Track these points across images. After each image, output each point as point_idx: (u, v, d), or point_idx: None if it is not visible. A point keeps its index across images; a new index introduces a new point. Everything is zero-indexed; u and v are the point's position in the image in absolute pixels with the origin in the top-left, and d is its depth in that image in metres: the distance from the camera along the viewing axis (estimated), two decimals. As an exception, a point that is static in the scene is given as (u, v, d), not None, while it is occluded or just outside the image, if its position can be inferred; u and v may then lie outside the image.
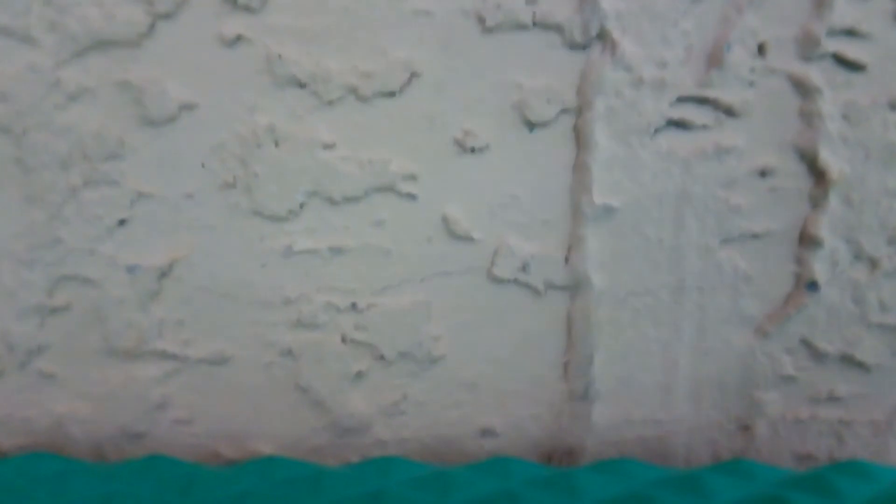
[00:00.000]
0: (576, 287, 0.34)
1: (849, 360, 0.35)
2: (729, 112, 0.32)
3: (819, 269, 0.34)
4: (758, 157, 0.33)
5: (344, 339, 0.33)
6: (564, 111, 0.32)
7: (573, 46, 0.32)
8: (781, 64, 0.32)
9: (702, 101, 0.32)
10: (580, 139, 0.32)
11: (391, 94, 0.31)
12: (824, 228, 0.34)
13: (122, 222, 0.31)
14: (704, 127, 0.33)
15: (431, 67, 0.31)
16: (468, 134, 0.32)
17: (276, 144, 0.31)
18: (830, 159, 0.33)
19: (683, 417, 0.35)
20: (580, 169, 0.33)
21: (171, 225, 0.31)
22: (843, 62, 0.32)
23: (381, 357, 0.33)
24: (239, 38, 0.30)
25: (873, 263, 0.34)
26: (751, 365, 0.35)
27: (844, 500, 0.27)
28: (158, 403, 0.33)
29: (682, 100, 0.32)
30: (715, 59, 0.32)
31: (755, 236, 0.34)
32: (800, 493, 0.27)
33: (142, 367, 0.32)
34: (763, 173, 0.33)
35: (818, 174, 0.33)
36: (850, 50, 0.32)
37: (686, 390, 0.35)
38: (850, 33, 0.32)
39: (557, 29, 0.31)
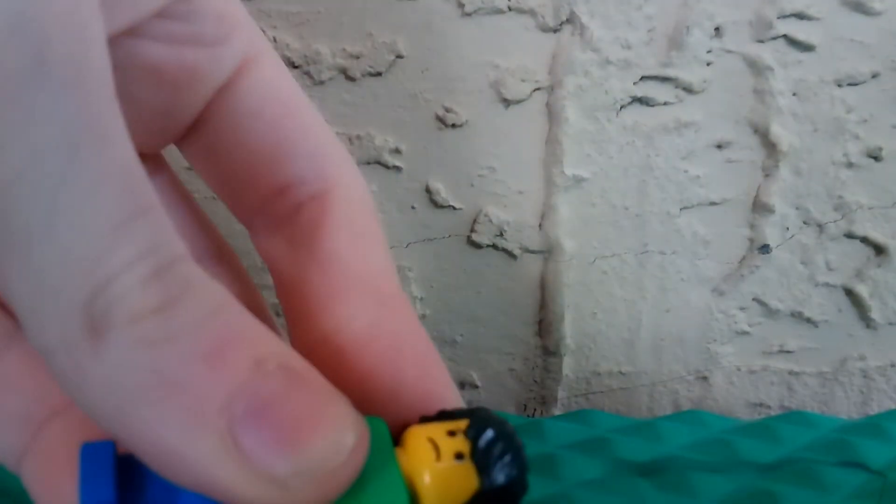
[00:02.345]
0: (548, 251, 0.36)
1: (798, 317, 0.38)
2: (688, 90, 0.34)
3: (771, 233, 0.36)
4: (715, 131, 0.35)
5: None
6: (537, 89, 0.34)
7: (545, 29, 0.33)
8: (736, 45, 0.34)
9: (663, 79, 0.34)
10: (552, 115, 0.34)
11: (378, 75, 0.33)
12: (776, 196, 0.36)
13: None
14: (666, 104, 0.34)
15: (414, 50, 0.33)
16: (449, 111, 0.34)
17: (272, 122, 0.33)
18: (781, 133, 0.35)
19: (646, 370, 0.37)
20: (552, 143, 0.35)
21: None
22: (793, 43, 0.34)
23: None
24: (235, 24, 0.32)
25: (821, 228, 0.36)
26: (708, 321, 0.37)
27: (785, 444, 0.29)
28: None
29: (645, 78, 0.34)
30: (675, 41, 0.34)
31: (712, 204, 0.36)
32: (745, 439, 0.30)
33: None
34: (720, 146, 0.35)
35: (770, 146, 0.35)
36: (801, 32, 0.34)
37: (649, 345, 0.37)
38: (801, 16, 0.34)
39: (531, 13, 0.33)
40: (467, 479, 0.15)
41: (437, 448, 0.15)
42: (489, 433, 0.16)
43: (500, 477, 0.15)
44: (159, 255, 0.13)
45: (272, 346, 0.14)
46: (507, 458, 0.16)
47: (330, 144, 0.19)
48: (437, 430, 0.16)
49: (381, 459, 0.15)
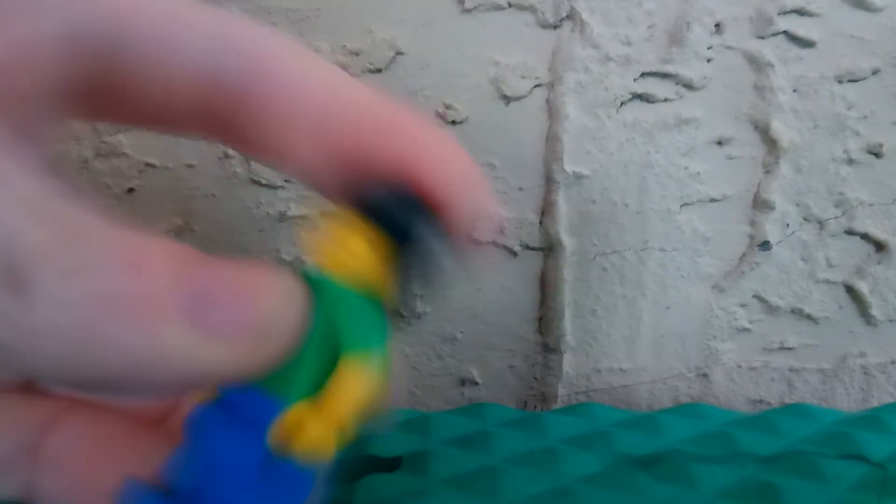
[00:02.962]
0: (548, 248, 0.36)
1: (798, 313, 0.38)
2: (689, 86, 0.34)
3: (771, 230, 0.36)
4: (715, 128, 0.35)
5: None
6: (538, 86, 0.34)
7: (545, 26, 0.34)
8: (737, 41, 0.34)
9: (664, 76, 0.34)
10: (552, 112, 0.34)
11: (378, 71, 0.33)
12: (776, 193, 0.36)
13: (130, 191, 0.33)
14: (666, 100, 0.34)
15: (414, 46, 0.33)
16: (449, 108, 0.34)
17: (272, 119, 0.33)
18: (782, 129, 0.35)
19: (646, 367, 0.37)
20: (552, 139, 0.35)
21: (175, 193, 0.34)
22: (794, 39, 0.34)
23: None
24: (236, 20, 0.32)
25: (821, 225, 0.36)
26: (708, 318, 0.37)
27: (785, 437, 0.29)
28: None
29: (645, 75, 0.34)
30: (676, 38, 0.34)
31: (713, 200, 0.36)
32: (746, 432, 0.30)
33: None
34: (720, 142, 0.35)
35: (770, 143, 0.35)
36: (801, 28, 0.34)
37: (649, 342, 0.37)
38: (801, 12, 0.34)
39: (531, 10, 0.33)
40: (358, 240, 0.17)
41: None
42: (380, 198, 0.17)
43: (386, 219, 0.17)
44: (41, 201, 0.14)
45: (171, 244, 0.15)
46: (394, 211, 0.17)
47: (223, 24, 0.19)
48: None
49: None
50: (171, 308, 0.14)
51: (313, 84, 0.19)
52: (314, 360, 0.16)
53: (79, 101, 0.18)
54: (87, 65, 0.18)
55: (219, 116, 0.19)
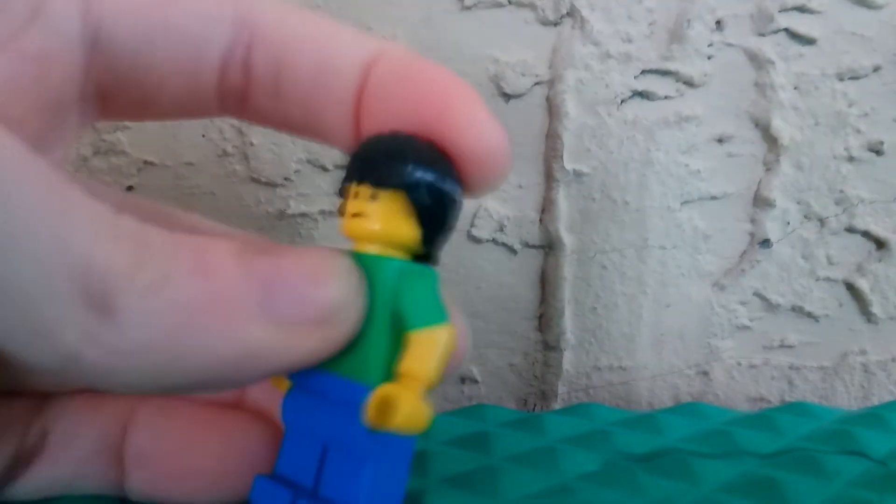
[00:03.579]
0: (549, 246, 0.36)
1: (799, 311, 0.38)
2: (689, 83, 0.34)
3: (771, 227, 0.36)
4: (716, 125, 0.35)
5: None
6: (538, 83, 0.34)
7: (545, 23, 0.34)
8: (737, 38, 0.34)
9: (664, 73, 0.34)
10: (552, 109, 0.34)
11: (377, 69, 0.33)
12: (776, 190, 0.36)
13: (129, 188, 0.33)
14: (667, 97, 0.34)
15: (414, 43, 0.33)
16: (448, 105, 0.34)
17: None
18: (782, 127, 0.35)
19: (647, 364, 0.37)
20: (552, 137, 0.35)
21: (175, 191, 0.34)
22: (795, 36, 0.34)
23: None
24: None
25: (821, 222, 0.36)
26: (708, 316, 0.37)
27: (786, 435, 0.29)
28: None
29: (646, 72, 0.34)
30: (676, 35, 0.34)
31: (713, 198, 0.36)
32: (745, 430, 0.30)
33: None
34: (720, 140, 0.35)
35: (771, 140, 0.35)
36: (802, 25, 0.34)
37: (649, 340, 0.37)
38: (802, 10, 0.34)
39: (531, 7, 0.33)
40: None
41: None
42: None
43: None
44: (107, 221, 0.14)
45: (227, 241, 0.15)
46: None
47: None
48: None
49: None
50: (245, 306, 0.15)
51: (339, 42, 0.19)
52: (380, 336, 0.17)
53: (104, 93, 0.18)
54: (111, 55, 0.18)
55: (248, 90, 0.19)
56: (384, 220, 0.17)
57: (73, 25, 0.17)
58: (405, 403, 0.16)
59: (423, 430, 0.16)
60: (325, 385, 0.17)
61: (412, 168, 0.17)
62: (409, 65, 0.19)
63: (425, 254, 0.18)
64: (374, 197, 0.17)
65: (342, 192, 0.18)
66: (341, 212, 0.18)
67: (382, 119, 0.18)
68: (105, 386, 0.14)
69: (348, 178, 0.18)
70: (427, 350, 0.17)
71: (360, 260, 0.17)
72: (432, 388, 0.17)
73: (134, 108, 0.20)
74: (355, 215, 0.17)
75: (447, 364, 0.17)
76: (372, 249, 0.17)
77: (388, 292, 0.17)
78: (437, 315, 0.17)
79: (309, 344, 0.15)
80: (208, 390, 0.21)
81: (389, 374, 0.17)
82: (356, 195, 0.17)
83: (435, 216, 0.18)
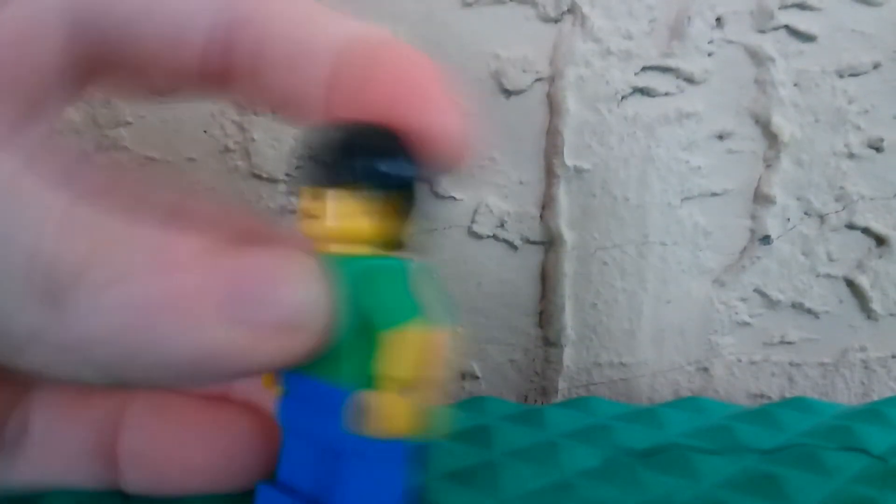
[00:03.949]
0: (549, 242, 0.36)
1: (799, 308, 0.38)
2: (689, 80, 0.34)
3: (772, 224, 0.36)
4: (716, 122, 0.35)
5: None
6: (538, 80, 0.34)
7: (546, 20, 0.33)
8: (738, 35, 0.34)
9: (665, 70, 0.34)
10: (553, 106, 0.34)
11: (378, 65, 0.33)
12: (777, 187, 0.36)
13: (130, 185, 0.33)
14: (667, 94, 0.34)
15: (415, 40, 0.33)
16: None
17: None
18: (783, 123, 0.35)
19: (647, 361, 0.37)
20: (553, 133, 0.35)
21: (176, 187, 0.34)
22: (795, 33, 0.34)
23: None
24: (236, 14, 0.32)
25: (821, 219, 0.36)
26: (709, 312, 0.37)
27: (785, 430, 0.29)
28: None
29: (646, 69, 0.34)
30: (677, 31, 0.34)
31: (713, 194, 0.36)
32: (745, 425, 0.30)
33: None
34: (721, 136, 0.35)
35: (771, 137, 0.35)
36: (802, 22, 0.34)
37: (650, 336, 0.37)
38: (802, 6, 0.34)
39: (532, 3, 0.33)
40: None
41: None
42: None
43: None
44: (59, 215, 0.14)
45: (194, 238, 0.15)
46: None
47: None
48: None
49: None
50: (207, 307, 0.14)
51: (318, 26, 0.19)
52: (356, 338, 0.17)
53: (86, 73, 0.18)
54: (92, 37, 0.18)
55: (229, 71, 0.19)
56: (337, 217, 0.17)
57: (51, 4, 0.17)
58: (382, 407, 0.16)
59: (419, 430, 0.16)
60: (310, 389, 0.17)
61: (355, 160, 0.17)
62: (377, 48, 0.19)
63: (396, 244, 0.18)
64: (322, 196, 0.17)
65: (298, 194, 0.18)
66: (300, 214, 0.18)
67: (348, 103, 0.18)
68: (54, 378, 0.14)
69: (297, 180, 0.18)
70: (399, 350, 0.16)
71: (324, 261, 0.17)
72: (418, 387, 0.16)
73: (117, 85, 0.20)
74: (309, 216, 0.17)
75: (430, 359, 0.17)
76: (334, 249, 0.17)
77: (352, 292, 0.17)
78: (406, 311, 0.17)
79: (272, 347, 0.15)
80: (171, 386, 0.20)
81: (368, 377, 0.17)
82: (306, 195, 0.17)
83: (390, 204, 0.17)
